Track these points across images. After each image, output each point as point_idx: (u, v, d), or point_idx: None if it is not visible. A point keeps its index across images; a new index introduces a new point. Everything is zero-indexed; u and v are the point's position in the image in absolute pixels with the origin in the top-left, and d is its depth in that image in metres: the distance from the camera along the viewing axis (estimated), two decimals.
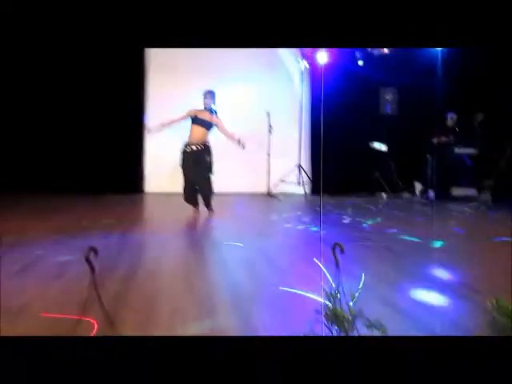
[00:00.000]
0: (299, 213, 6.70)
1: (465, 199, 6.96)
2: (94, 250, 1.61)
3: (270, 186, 7.67)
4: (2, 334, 1.84)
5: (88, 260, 1.59)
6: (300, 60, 8.01)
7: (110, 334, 1.94)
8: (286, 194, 7.71)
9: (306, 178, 7.85)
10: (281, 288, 2.79)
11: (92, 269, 1.59)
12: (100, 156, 7.53)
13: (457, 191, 7.27)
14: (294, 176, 7.81)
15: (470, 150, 7.29)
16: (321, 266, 2.79)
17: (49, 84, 7.38)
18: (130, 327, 2.15)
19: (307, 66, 8.09)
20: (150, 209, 7.19)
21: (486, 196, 6.88)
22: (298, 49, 7.83)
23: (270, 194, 7.60)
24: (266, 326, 2.27)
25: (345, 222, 5.46)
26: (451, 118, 7.52)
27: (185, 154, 5.59)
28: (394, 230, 4.87)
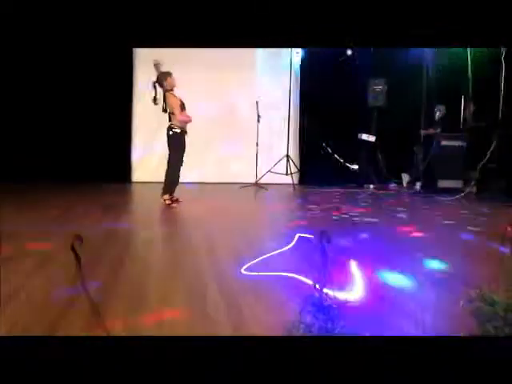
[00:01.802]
0: (286, 202, 6.72)
1: (451, 191, 7.03)
2: (79, 238, 1.58)
3: (258, 175, 7.66)
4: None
5: (73, 248, 1.57)
6: (290, 50, 7.97)
7: (95, 323, 1.93)
8: (274, 185, 7.71)
9: (294, 169, 7.85)
10: (262, 273, 2.80)
11: (77, 257, 1.57)
12: (88, 145, 7.46)
13: (443, 183, 7.33)
14: (282, 166, 7.81)
15: (458, 143, 7.35)
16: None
17: (40, 75, 7.27)
18: (117, 316, 2.14)
19: (297, 56, 8.06)
20: (138, 198, 7.15)
21: (472, 188, 6.96)
22: None
23: (257, 184, 7.59)
24: (255, 314, 2.27)
25: (331, 211, 5.49)
26: (439, 110, 7.56)
27: (183, 136, 5.51)
28: (376, 220, 4.91)
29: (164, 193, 5.49)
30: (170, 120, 5.48)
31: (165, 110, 5.48)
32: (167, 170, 5.51)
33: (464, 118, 7.32)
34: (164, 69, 5.57)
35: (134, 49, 7.81)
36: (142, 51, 7.85)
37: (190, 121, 5.56)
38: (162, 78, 5.45)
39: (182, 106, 5.50)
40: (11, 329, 2.00)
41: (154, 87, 5.43)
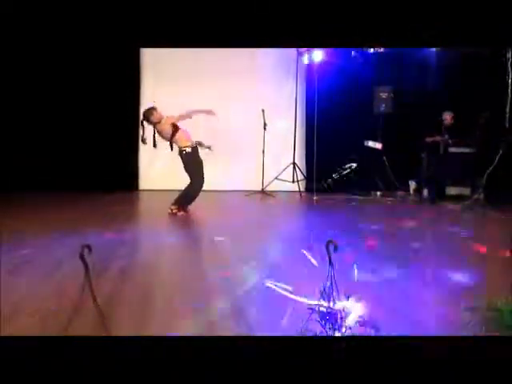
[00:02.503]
0: (293, 210, 6.72)
1: (459, 198, 6.99)
2: (88, 248, 1.60)
3: (265, 183, 7.67)
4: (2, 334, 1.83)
5: (82, 257, 1.59)
6: (296, 58, 8.00)
7: (103, 331, 1.94)
8: (280, 192, 7.71)
9: (300, 176, 7.85)
10: (269, 284, 2.80)
11: (86, 266, 1.59)
12: (94, 153, 7.50)
13: (451, 190, 7.29)
14: (288, 174, 7.81)
15: (466, 149, 7.31)
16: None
17: (45, 83, 7.35)
18: (124, 324, 2.15)
19: (303, 64, 8.09)
20: (145, 206, 7.18)
21: (479, 195, 6.92)
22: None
23: (264, 192, 7.60)
24: (260, 323, 2.27)
25: (339, 219, 5.48)
26: (447, 117, 7.53)
27: (196, 152, 5.57)
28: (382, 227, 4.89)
29: (175, 203, 5.52)
30: (172, 148, 5.52)
31: (170, 142, 5.49)
32: (188, 186, 5.55)
33: (475, 126, 7.24)
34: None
35: (140, 55, 7.86)
36: (148, 57, 7.90)
37: (188, 138, 5.56)
38: (148, 114, 5.49)
39: (175, 128, 5.49)
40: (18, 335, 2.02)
41: (142, 125, 5.49)
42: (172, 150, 5.56)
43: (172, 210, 5.51)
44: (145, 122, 5.50)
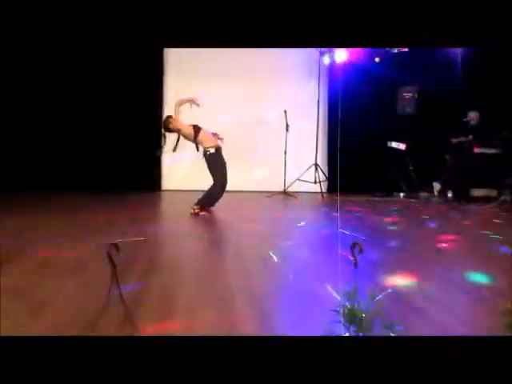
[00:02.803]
0: (315, 211, 6.69)
1: (485, 200, 6.85)
2: (116, 247, 1.63)
3: (287, 184, 7.66)
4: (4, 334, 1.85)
5: (110, 256, 1.61)
6: (318, 58, 7.97)
7: (129, 329, 1.97)
8: (302, 193, 7.69)
9: (322, 177, 7.82)
10: (297, 285, 2.79)
11: (113, 265, 1.62)
12: (118, 155, 7.61)
13: (476, 192, 7.15)
14: (310, 174, 7.78)
15: (491, 150, 7.16)
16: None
17: (72, 83, 7.49)
18: (148, 323, 2.18)
19: (325, 65, 8.05)
20: (168, 206, 7.25)
21: (506, 196, 6.76)
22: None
23: (286, 193, 7.59)
24: (283, 324, 2.27)
25: (363, 221, 5.43)
26: (473, 117, 7.38)
27: (219, 154, 5.64)
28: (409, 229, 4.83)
29: (197, 204, 5.56)
30: (197, 149, 5.58)
31: (195, 143, 5.55)
32: (211, 187, 5.59)
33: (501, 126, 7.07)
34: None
35: (164, 54, 7.93)
36: (172, 57, 7.96)
37: (214, 136, 5.61)
38: (166, 124, 5.59)
39: (197, 128, 5.54)
40: (46, 333, 2.07)
41: (164, 136, 5.60)
42: (198, 150, 5.61)
43: (194, 210, 5.55)
44: (166, 134, 5.61)
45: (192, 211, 5.54)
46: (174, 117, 5.58)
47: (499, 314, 1.73)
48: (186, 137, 5.60)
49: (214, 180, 5.59)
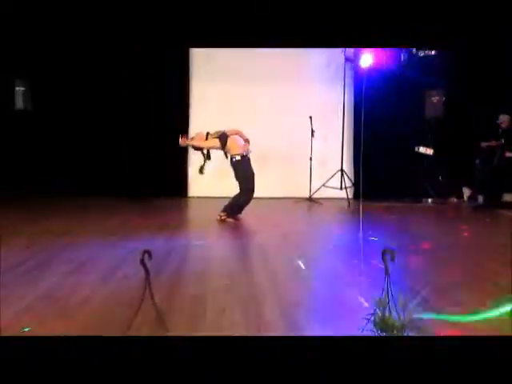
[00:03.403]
0: (341, 217, 6.64)
1: None
2: (149, 253, 1.66)
3: (312, 190, 7.63)
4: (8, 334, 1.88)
5: (143, 262, 1.65)
6: (343, 63, 7.93)
7: (161, 333, 2.00)
8: (328, 199, 7.64)
9: (348, 183, 7.75)
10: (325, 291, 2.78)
11: (146, 271, 1.65)
12: (145, 161, 7.72)
13: (508, 197, 6.97)
14: (336, 180, 7.72)
15: None
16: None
17: (98, 89, 7.63)
18: (179, 328, 2.20)
19: (350, 69, 8.01)
20: (194, 212, 7.31)
21: None
22: (341, 51, 7.75)
23: (311, 199, 7.55)
24: (313, 332, 2.26)
25: (392, 227, 5.36)
26: (504, 121, 7.20)
27: (245, 160, 5.66)
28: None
29: (224, 210, 5.59)
30: (226, 156, 5.63)
31: (224, 152, 5.63)
32: (237, 195, 5.60)
33: None
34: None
35: (190, 56, 7.98)
36: (198, 59, 8.00)
37: (246, 142, 5.62)
38: (195, 146, 5.72)
39: (223, 137, 5.56)
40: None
41: (203, 154, 5.71)
42: (227, 157, 5.64)
43: (221, 216, 5.58)
44: (199, 152, 5.72)
45: (218, 218, 5.57)
46: (197, 134, 5.67)
47: None
48: (214, 148, 5.64)
49: (241, 187, 5.59)
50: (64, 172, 7.47)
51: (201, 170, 5.64)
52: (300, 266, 3.47)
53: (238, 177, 5.58)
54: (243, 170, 5.57)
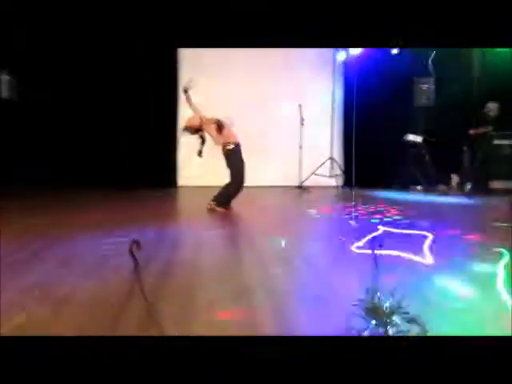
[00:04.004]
0: (332, 205, 6.66)
1: (504, 192, 6.74)
2: (137, 243, 1.65)
3: (302, 178, 7.65)
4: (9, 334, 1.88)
5: (131, 252, 1.63)
6: (332, 52, 7.91)
7: (150, 325, 2.00)
8: (317, 187, 7.66)
9: (338, 171, 7.78)
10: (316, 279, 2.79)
11: (135, 261, 1.64)
12: (132, 150, 7.67)
13: (496, 184, 7.05)
14: (326, 169, 7.75)
15: (511, 142, 7.04)
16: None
17: (83, 79, 7.55)
18: (169, 320, 2.20)
19: (340, 57, 7.99)
20: (183, 202, 7.30)
21: None
22: None
23: (301, 187, 7.57)
24: (302, 320, 2.28)
25: (379, 215, 5.39)
26: (492, 109, 7.25)
27: (237, 150, 5.62)
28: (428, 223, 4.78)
29: (214, 200, 5.58)
30: (217, 143, 5.57)
31: (216, 141, 5.57)
32: (227, 184, 5.58)
33: None
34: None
35: (178, 50, 7.94)
36: (186, 53, 7.98)
37: (232, 138, 5.58)
38: (194, 127, 5.58)
39: (219, 124, 5.50)
40: (68, 330, 2.10)
41: (202, 137, 5.59)
42: (219, 144, 5.57)
43: (211, 205, 5.57)
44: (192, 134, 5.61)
45: (209, 207, 5.56)
46: (195, 115, 5.55)
47: None
48: (210, 134, 5.57)
49: (231, 177, 5.58)
50: (49, 163, 7.40)
51: (200, 154, 5.59)
52: (289, 252, 3.48)
53: (229, 165, 5.55)
54: (236, 159, 5.55)
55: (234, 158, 5.53)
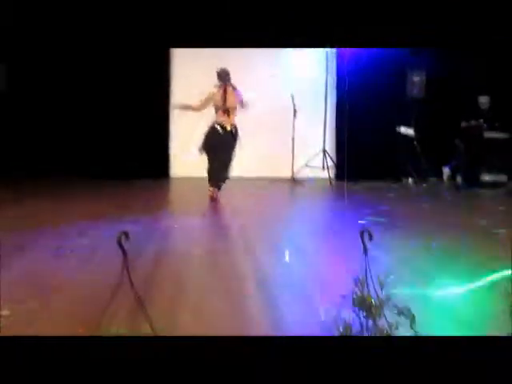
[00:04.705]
0: (324, 198, 6.68)
1: (494, 185, 6.78)
2: (126, 234, 1.64)
3: (294, 170, 7.63)
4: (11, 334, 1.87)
5: (120, 244, 1.62)
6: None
7: (140, 316, 1.99)
8: (310, 179, 7.65)
9: (330, 163, 7.77)
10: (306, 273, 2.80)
11: (124, 252, 1.63)
12: (126, 141, 7.58)
13: (486, 177, 7.07)
14: (318, 161, 7.73)
15: (502, 135, 7.06)
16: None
17: (73, 67, 7.43)
18: (159, 310, 2.20)
19: (333, 49, 7.94)
20: (177, 193, 7.26)
21: None
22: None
23: (294, 179, 7.56)
24: (292, 311, 2.28)
25: (371, 207, 5.41)
26: (483, 102, 7.27)
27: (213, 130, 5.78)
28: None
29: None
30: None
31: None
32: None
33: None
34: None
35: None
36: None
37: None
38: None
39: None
40: (58, 322, 2.09)
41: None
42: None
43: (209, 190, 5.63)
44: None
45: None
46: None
47: None
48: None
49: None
50: (40, 154, 7.30)
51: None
52: (280, 244, 3.48)
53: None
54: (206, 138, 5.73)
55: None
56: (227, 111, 5.64)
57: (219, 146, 5.66)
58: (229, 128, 5.69)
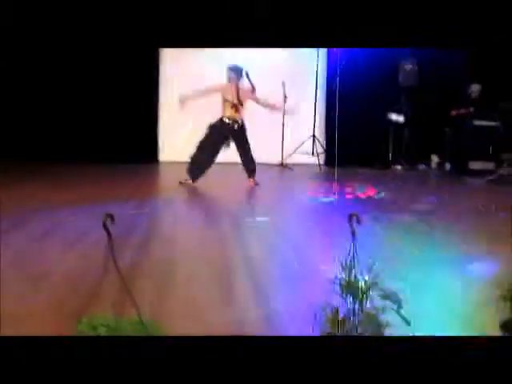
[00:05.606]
0: (313, 184, 6.68)
1: (482, 173, 6.83)
2: (111, 217, 1.61)
3: (284, 156, 7.61)
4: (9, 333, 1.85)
5: (105, 226, 1.60)
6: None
7: (126, 299, 1.97)
8: (299, 165, 7.64)
9: (320, 149, 7.77)
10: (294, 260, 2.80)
11: (109, 234, 1.60)
12: (114, 125, 7.48)
13: (474, 165, 7.12)
14: (308, 146, 7.73)
15: (491, 123, 7.09)
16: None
17: (63, 53, 7.29)
18: (146, 294, 2.18)
19: None
20: (165, 178, 7.21)
21: (505, 170, 6.74)
22: None
23: (283, 165, 7.55)
24: (280, 296, 2.28)
25: (359, 193, 5.43)
26: (474, 90, 7.28)
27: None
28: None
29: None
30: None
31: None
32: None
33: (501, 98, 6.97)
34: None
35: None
36: None
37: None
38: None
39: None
40: (45, 305, 2.06)
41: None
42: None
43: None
44: None
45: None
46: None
47: None
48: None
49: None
50: (28, 139, 7.18)
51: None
52: (268, 229, 3.48)
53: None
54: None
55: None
56: (235, 106, 5.65)
57: (222, 139, 5.72)
58: (240, 122, 5.73)
